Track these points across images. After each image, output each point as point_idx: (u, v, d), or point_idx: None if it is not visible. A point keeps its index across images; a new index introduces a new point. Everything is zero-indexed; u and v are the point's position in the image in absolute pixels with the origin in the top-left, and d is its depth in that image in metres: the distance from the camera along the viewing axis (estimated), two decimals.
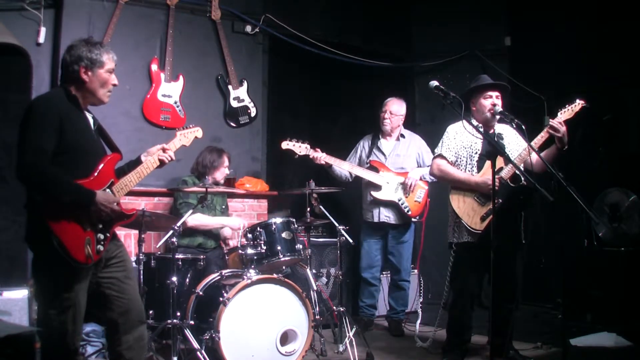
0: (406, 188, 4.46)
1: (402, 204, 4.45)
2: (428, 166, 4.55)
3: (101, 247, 2.46)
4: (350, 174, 4.53)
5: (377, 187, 4.47)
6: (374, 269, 4.64)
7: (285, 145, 4.17)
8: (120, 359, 2.54)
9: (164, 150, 2.77)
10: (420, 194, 4.52)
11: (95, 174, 2.48)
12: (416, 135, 4.76)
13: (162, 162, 2.76)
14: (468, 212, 3.39)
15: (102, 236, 2.46)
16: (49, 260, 2.35)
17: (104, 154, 2.60)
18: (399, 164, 4.57)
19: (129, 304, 2.56)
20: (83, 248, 2.37)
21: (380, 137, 4.67)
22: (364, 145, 4.72)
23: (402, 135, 4.67)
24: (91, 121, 2.60)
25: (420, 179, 4.52)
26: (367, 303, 4.67)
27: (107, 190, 2.51)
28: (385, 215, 4.51)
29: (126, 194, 2.61)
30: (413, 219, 4.53)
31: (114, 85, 2.61)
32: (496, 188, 3.25)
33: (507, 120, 3.27)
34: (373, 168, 4.52)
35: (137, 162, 2.74)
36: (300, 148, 4.17)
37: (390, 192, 4.46)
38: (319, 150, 4.24)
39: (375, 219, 4.53)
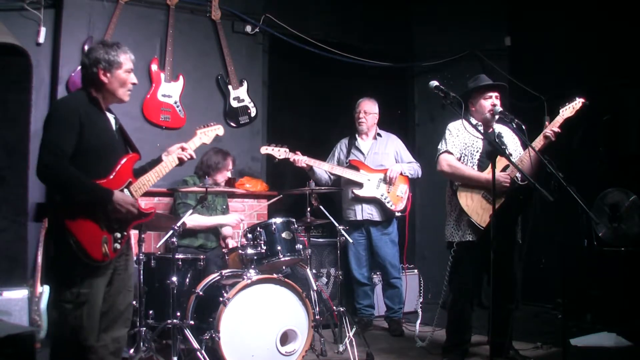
0: (388, 181, 4.47)
1: (385, 199, 4.46)
2: (408, 162, 4.58)
3: (118, 246, 2.53)
4: (330, 176, 4.54)
5: (359, 185, 4.48)
6: (363, 269, 4.64)
7: (264, 150, 4.17)
8: (91, 352, 2.53)
9: (182, 149, 2.82)
10: (403, 188, 4.53)
11: (113, 174, 2.54)
12: (392, 135, 4.78)
13: (181, 161, 2.81)
14: (477, 209, 3.39)
15: (119, 235, 2.54)
16: (68, 258, 2.41)
17: (125, 153, 2.66)
18: (378, 162, 4.57)
19: (116, 304, 2.61)
20: (100, 246, 2.44)
21: (357, 137, 4.69)
22: (341, 147, 4.74)
23: (379, 135, 4.71)
24: (113, 122, 2.67)
25: (401, 174, 4.53)
26: (364, 304, 4.67)
27: (125, 190, 2.57)
28: (368, 213, 4.52)
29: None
30: (397, 214, 4.53)
31: (134, 84, 2.66)
32: (508, 184, 3.31)
33: (507, 120, 3.28)
34: (353, 167, 4.53)
35: (158, 161, 2.79)
36: (279, 152, 4.15)
37: (372, 189, 4.47)
38: (299, 153, 4.24)
39: (359, 217, 4.54)
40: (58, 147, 2.39)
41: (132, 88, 2.68)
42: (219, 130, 3.06)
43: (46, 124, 2.48)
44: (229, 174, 4.31)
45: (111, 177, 2.53)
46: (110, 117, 2.67)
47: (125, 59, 2.60)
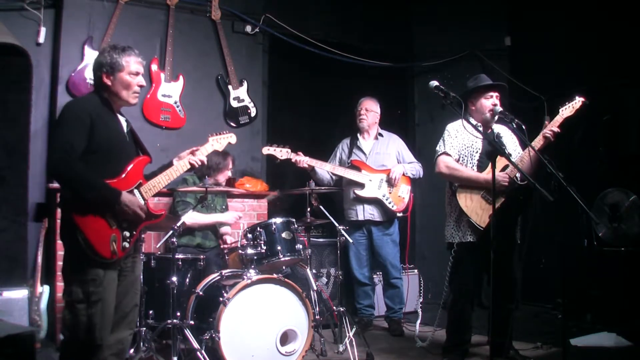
0: (390, 182, 4.47)
1: (386, 200, 4.46)
2: (409, 163, 4.58)
3: (127, 244, 2.55)
4: (332, 176, 4.54)
5: (361, 186, 4.48)
6: (364, 269, 4.65)
7: (266, 150, 4.17)
8: (98, 352, 2.53)
9: (193, 153, 2.86)
10: (404, 189, 4.54)
11: (124, 174, 2.56)
12: (394, 135, 4.78)
13: (192, 166, 2.84)
14: (476, 210, 3.38)
15: (128, 234, 2.55)
16: (78, 255, 2.43)
17: (135, 155, 2.68)
18: (380, 162, 4.58)
19: (123, 307, 2.61)
20: (108, 244, 2.45)
21: (358, 137, 4.70)
22: (342, 147, 4.74)
23: (380, 134, 4.71)
24: (124, 124, 2.69)
25: (403, 175, 4.53)
26: (365, 304, 4.67)
27: (135, 191, 2.58)
28: (370, 213, 4.52)
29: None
30: (398, 214, 4.54)
31: (140, 86, 2.68)
32: (507, 184, 3.30)
33: (507, 120, 3.27)
34: (355, 167, 4.53)
35: (169, 166, 2.82)
36: (281, 153, 4.15)
37: (374, 189, 4.48)
38: (300, 153, 4.23)
39: (360, 217, 4.54)
40: (68, 143, 2.41)
41: (140, 91, 2.69)
42: (231, 138, 3.10)
43: (57, 122, 2.52)
44: (229, 174, 4.31)
45: (121, 177, 2.55)
46: (122, 119, 2.69)
47: (129, 61, 2.61)
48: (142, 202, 2.60)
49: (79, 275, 2.45)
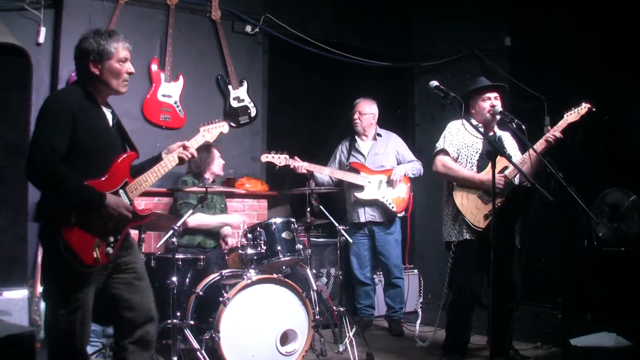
0: (391, 183, 4.48)
1: (386, 201, 4.46)
2: (409, 162, 4.60)
3: (111, 250, 2.40)
4: (332, 179, 4.55)
5: (360, 188, 4.48)
6: (365, 269, 4.65)
7: (265, 158, 4.20)
8: (123, 353, 2.50)
9: (184, 147, 2.67)
10: (403, 189, 4.54)
11: (109, 173, 2.41)
12: (393, 134, 4.78)
13: (182, 160, 2.66)
14: (471, 209, 3.39)
15: (112, 239, 2.40)
16: (58, 261, 2.29)
17: (123, 150, 2.53)
18: (379, 163, 4.58)
19: (138, 304, 2.51)
20: (91, 251, 2.31)
21: (356, 138, 4.70)
22: (342, 149, 4.75)
23: (379, 134, 4.71)
24: (110, 117, 2.53)
25: (404, 175, 4.54)
26: (365, 304, 4.67)
27: (120, 191, 2.44)
28: (371, 215, 4.53)
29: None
30: (398, 215, 4.55)
31: (130, 73, 2.50)
32: (502, 186, 3.30)
33: (507, 120, 3.28)
34: (353, 170, 4.54)
35: (158, 159, 2.66)
36: (279, 159, 4.17)
37: (373, 191, 4.48)
38: (298, 159, 4.25)
39: (362, 219, 4.55)
40: (49, 144, 2.25)
41: (130, 79, 2.51)
42: (223, 127, 2.88)
43: (38, 119, 2.33)
44: (222, 161, 4.28)
45: (106, 176, 2.40)
46: (107, 112, 2.52)
47: (118, 48, 2.43)
48: (128, 202, 2.44)
49: (60, 281, 2.33)
